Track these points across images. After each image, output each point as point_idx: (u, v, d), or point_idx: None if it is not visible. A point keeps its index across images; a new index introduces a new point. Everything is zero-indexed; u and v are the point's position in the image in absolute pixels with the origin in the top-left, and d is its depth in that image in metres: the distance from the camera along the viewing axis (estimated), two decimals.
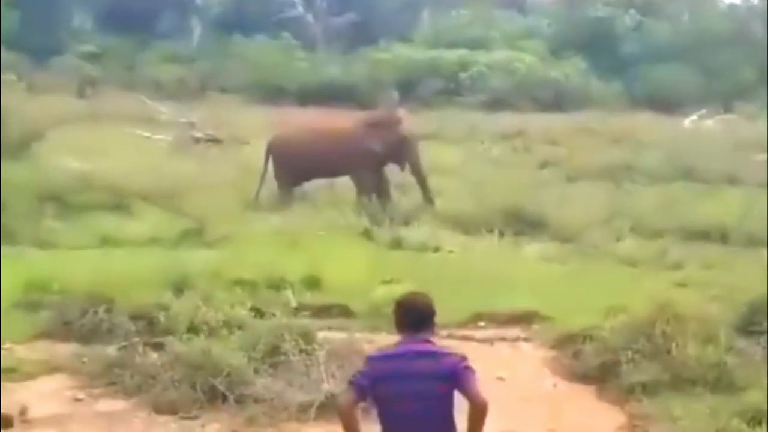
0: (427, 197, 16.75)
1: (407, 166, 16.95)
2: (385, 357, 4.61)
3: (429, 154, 18.09)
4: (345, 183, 17.32)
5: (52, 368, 8.32)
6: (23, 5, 40.11)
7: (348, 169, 16.89)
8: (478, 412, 4.45)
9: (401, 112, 18.61)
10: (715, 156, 22.34)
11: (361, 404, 4.64)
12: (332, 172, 17.21)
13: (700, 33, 45.72)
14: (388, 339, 8.90)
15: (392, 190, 17.00)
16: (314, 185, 17.63)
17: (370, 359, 4.65)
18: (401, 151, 16.74)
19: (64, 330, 9.05)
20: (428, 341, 4.59)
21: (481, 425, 4.48)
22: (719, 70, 43.27)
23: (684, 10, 51.63)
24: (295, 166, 16.87)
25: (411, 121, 17.82)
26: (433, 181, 17.63)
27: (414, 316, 4.64)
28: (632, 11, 51.54)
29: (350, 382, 4.58)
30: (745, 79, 42.18)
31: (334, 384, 7.66)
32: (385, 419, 4.55)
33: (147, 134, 24.52)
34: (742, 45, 43.99)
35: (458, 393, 4.50)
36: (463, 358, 4.54)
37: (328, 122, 18.28)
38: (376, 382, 4.50)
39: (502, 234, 14.26)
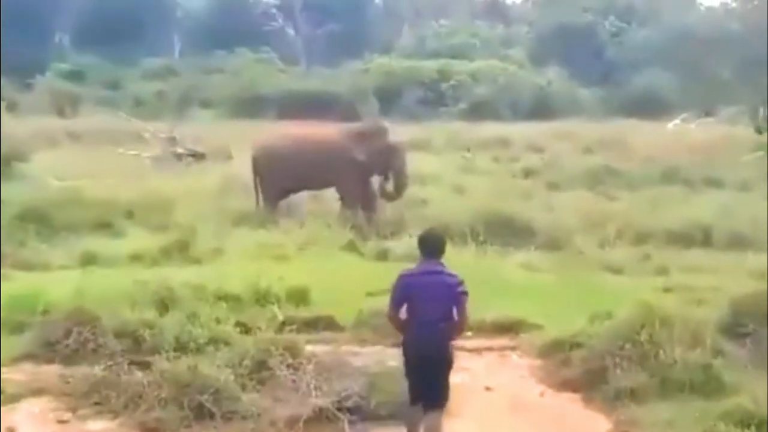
0: (399, 191, 16.65)
1: (392, 177, 16.84)
2: (409, 274, 6.92)
3: (412, 163, 18.07)
4: (331, 195, 17.27)
5: (37, 390, 8.24)
6: (2, 25, 39.99)
7: (333, 180, 16.80)
8: (460, 322, 6.89)
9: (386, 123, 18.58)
10: (697, 160, 22.46)
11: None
12: (318, 183, 17.09)
13: (680, 37, 45.96)
14: (375, 351, 9.00)
15: (378, 202, 16.91)
16: (300, 197, 17.56)
17: (401, 276, 6.93)
18: (387, 161, 16.66)
19: (48, 351, 8.97)
20: (439, 263, 6.91)
21: (459, 329, 6.99)
22: (700, 73, 43.52)
23: (663, 15, 51.89)
24: (281, 178, 16.66)
25: (396, 131, 17.70)
26: (417, 191, 17.61)
27: (429, 245, 6.98)
28: (612, 18, 51.81)
29: (391, 299, 6.92)
30: (725, 82, 42.44)
31: (321, 398, 7.65)
32: (411, 314, 6.86)
33: (129, 151, 24.47)
34: (722, 48, 44.22)
35: None
36: (461, 282, 6.85)
37: (313, 132, 18.08)
38: (405, 291, 6.85)
39: (487, 243, 14.25)
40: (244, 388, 7.85)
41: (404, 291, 6.85)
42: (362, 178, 16.69)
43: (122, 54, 47.73)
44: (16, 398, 8.09)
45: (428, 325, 6.77)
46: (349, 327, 10.10)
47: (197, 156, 23.92)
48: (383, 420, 7.60)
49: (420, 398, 6.89)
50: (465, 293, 6.84)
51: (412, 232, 15.35)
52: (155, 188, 17.60)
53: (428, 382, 6.85)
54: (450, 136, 29.85)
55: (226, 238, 14.37)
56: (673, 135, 29.91)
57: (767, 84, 29.72)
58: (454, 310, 6.81)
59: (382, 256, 13.97)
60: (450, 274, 6.87)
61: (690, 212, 16.41)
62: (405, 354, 6.95)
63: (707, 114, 36.17)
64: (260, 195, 16.79)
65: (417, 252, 13.53)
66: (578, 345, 8.95)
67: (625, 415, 7.84)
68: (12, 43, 42.23)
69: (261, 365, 8.06)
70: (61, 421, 7.75)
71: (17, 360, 8.94)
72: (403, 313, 6.91)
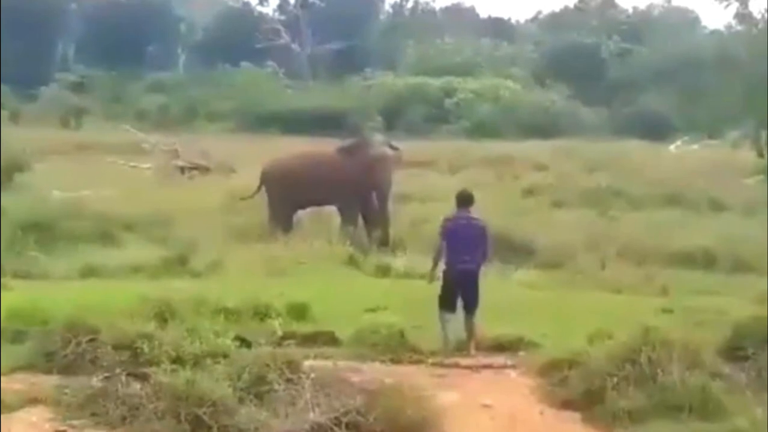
0: (384, 233, 16.45)
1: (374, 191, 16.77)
2: (448, 219, 10.22)
3: (415, 180, 18.07)
4: (335, 211, 17.27)
5: (34, 400, 8.21)
6: (6, 36, 40.10)
7: (332, 196, 16.83)
8: (485, 252, 10.25)
9: (379, 138, 18.56)
10: (700, 182, 22.45)
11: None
12: (320, 200, 17.13)
13: (684, 59, 46.01)
14: (374, 367, 8.97)
15: (378, 218, 16.85)
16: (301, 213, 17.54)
17: (444, 220, 10.28)
18: (374, 174, 16.65)
19: (45, 361, 8.95)
20: (468, 212, 10.18)
21: (484, 256, 10.29)
22: (704, 96, 43.49)
23: (668, 37, 51.96)
24: (290, 194, 16.65)
25: (385, 146, 17.53)
26: (419, 208, 17.57)
27: (462, 199, 10.24)
28: (616, 38, 51.88)
29: (439, 234, 10.23)
30: (729, 105, 42.39)
31: (319, 413, 7.62)
32: (448, 250, 10.09)
33: (132, 163, 24.51)
34: (726, 71, 44.18)
35: None
36: (485, 226, 10.19)
37: (315, 150, 18.12)
38: (446, 231, 10.13)
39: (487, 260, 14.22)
40: (242, 402, 7.81)
41: (446, 231, 10.10)
42: (359, 194, 16.68)
43: (127, 66, 47.84)
44: (13, 408, 8.06)
45: (464, 253, 9.98)
46: (349, 342, 10.08)
47: (201, 169, 23.97)
48: None
49: (453, 305, 9.95)
50: (487, 233, 10.15)
51: (414, 248, 15.47)
52: (157, 201, 17.60)
53: (466, 290, 9.97)
54: (453, 153, 29.87)
55: (226, 252, 14.36)
56: (675, 156, 29.90)
57: None
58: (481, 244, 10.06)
59: (383, 271, 13.96)
60: (477, 219, 10.20)
61: (692, 234, 16.39)
62: (447, 273, 10.08)
63: (710, 137, 36.17)
64: (269, 210, 16.81)
65: (416, 268, 13.82)
66: (578, 364, 8.91)
67: None
68: (16, 53, 42.35)
69: (259, 379, 8.02)
70: None
71: (15, 370, 8.92)
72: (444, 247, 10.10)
